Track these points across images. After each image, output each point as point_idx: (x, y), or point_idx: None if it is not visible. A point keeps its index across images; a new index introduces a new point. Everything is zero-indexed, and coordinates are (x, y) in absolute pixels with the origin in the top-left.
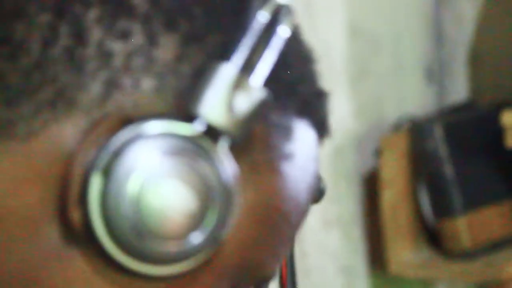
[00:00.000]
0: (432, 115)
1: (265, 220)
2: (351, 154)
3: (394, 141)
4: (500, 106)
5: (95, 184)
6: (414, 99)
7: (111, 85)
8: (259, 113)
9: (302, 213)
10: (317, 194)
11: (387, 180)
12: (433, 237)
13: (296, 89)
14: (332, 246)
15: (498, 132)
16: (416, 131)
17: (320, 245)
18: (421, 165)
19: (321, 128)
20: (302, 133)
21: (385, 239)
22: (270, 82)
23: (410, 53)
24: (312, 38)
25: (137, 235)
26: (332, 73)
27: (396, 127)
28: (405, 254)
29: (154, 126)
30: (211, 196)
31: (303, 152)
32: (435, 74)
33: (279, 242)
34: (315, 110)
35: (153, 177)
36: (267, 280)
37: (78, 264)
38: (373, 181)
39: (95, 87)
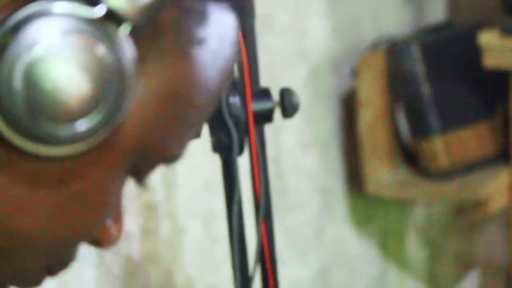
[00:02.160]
0: (409, 35)
1: (170, 105)
2: (328, 74)
3: (371, 62)
4: (477, 26)
5: None
6: (391, 19)
7: None
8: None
9: (212, 98)
10: (291, 108)
11: (364, 100)
12: (410, 157)
13: None
14: (309, 167)
15: (476, 52)
16: (393, 51)
17: (297, 166)
18: (398, 85)
19: (242, 10)
20: (218, 17)
21: (362, 160)
22: None
23: None
24: None
25: (28, 114)
26: None
27: (373, 47)
28: (382, 174)
29: (56, 6)
30: (106, 80)
31: (217, 36)
32: None
33: (185, 127)
34: None
35: (48, 55)
36: (172, 161)
37: None
38: (350, 102)
39: None
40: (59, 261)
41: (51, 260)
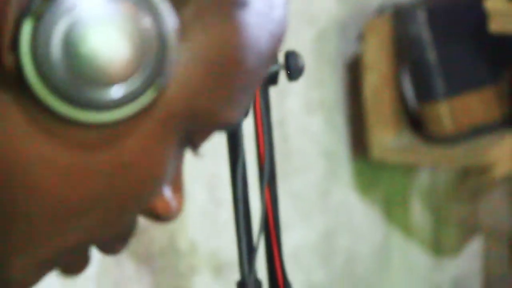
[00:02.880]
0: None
1: (215, 69)
2: (334, 38)
3: (377, 26)
4: None
5: (27, 27)
6: None
7: None
8: None
9: (263, 62)
10: (296, 71)
11: (370, 64)
12: (415, 122)
13: None
14: (315, 131)
15: (482, 17)
16: (399, 15)
17: (302, 129)
18: (404, 50)
19: None
20: None
21: (368, 124)
22: None
23: None
24: None
25: (69, 80)
26: None
27: (380, 12)
28: (388, 139)
29: None
30: (146, 44)
31: None
32: None
33: (234, 91)
34: None
35: (87, 19)
36: (228, 127)
37: (15, 113)
38: (356, 66)
39: None
40: (112, 235)
41: (101, 234)
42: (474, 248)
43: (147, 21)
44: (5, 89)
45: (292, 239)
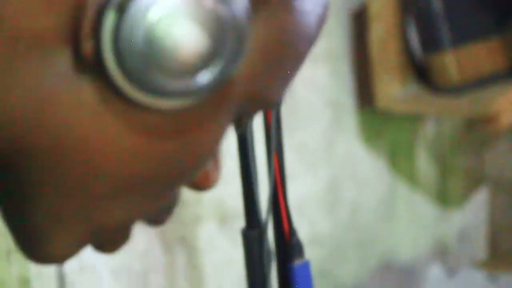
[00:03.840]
0: None
1: (275, 54)
2: None
3: None
4: None
5: (110, 17)
6: None
7: None
8: None
9: (311, 45)
10: None
11: (376, 14)
12: (421, 72)
13: None
14: (320, 81)
15: None
16: None
17: (307, 80)
18: (410, 0)
19: None
20: None
21: (373, 74)
22: None
23: None
24: None
25: (148, 70)
26: None
27: None
28: (393, 89)
29: None
30: (223, 34)
31: None
32: None
33: (286, 74)
34: None
35: (168, 13)
36: (273, 106)
37: (86, 94)
38: (362, 16)
39: None
40: (160, 208)
41: (152, 206)
42: (480, 199)
43: (225, 11)
44: (79, 70)
45: (297, 190)
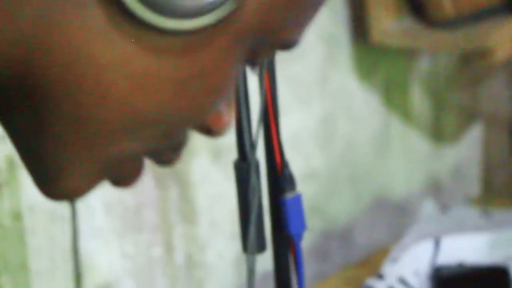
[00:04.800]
0: None
1: None
2: None
3: None
4: None
5: None
6: None
7: None
8: None
9: None
10: None
11: None
12: (416, 6)
13: None
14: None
15: None
16: None
17: None
18: None
19: None
20: None
21: (367, 7)
22: None
23: None
24: None
25: None
26: None
27: None
28: (388, 22)
29: None
30: None
31: None
32: None
33: (301, 11)
34: None
35: None
36: (289, 46)
37: (96, 16)
38: None
39: None
40: (169, 146)
41: (162, 142)
42: (474, 135)
43: None
44: None
45: (290, 124)
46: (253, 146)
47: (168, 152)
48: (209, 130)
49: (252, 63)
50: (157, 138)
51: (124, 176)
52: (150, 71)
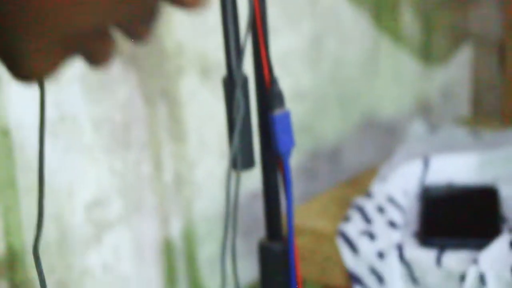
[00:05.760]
0: None
1: None
2: None
3: None
4: None
5: None
6: None
7: None
8: None
9: None
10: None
11: None
12: None
13: None
14: None
15: None
16: None
17: None
18: None
19: None
20: None
21: None
22: None
23: None
24: None
25: None
26: None
27: None
28: None
29: None
30: None
31: None
32: None
33: None
34: None
35: None
36: None
37: None
38: None
39: None
40: (134, 15)
41: (120, 13)
42: (463, 56)
43: None
44: None
45: (280, 44)
46: (239, 58)
47: (138, 24)
48: (183, 3)
49: None
50: (116, 4)
51: (94, 52)
52: None
